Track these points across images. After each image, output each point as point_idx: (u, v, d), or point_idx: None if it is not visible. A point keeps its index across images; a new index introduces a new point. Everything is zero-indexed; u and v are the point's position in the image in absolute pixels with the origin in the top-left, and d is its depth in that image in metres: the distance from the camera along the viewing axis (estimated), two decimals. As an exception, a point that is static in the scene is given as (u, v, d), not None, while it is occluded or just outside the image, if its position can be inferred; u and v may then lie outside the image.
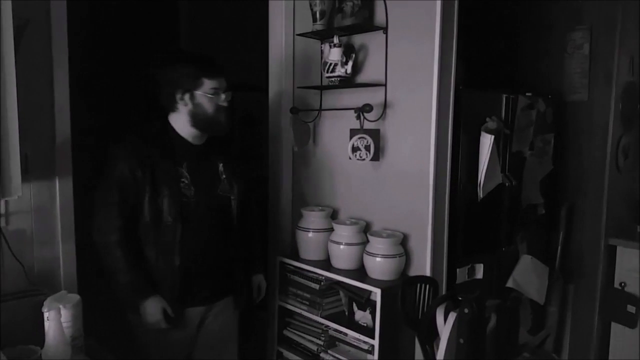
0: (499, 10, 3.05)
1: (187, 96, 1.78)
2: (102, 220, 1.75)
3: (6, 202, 1.78)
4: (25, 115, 1.56)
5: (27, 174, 1.65)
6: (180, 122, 1.82)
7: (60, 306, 1.53)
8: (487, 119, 2.35)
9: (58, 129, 1.92)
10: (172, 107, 1.81)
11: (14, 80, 1.45)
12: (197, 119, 1.80)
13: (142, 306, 1.75)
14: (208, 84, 1.78)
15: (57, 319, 1.46)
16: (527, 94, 2.62)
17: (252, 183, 2.09)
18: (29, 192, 1.85)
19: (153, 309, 1.75)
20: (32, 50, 1.82)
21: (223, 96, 1.80)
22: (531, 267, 2.70)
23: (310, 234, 2.36)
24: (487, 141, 2.30)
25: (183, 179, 1.78)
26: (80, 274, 2.01)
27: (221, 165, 1.90)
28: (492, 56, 2.98)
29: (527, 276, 2.68)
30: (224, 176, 1.89)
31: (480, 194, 2.35)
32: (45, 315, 1.49)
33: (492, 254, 2.55)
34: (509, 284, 2.60)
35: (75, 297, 1.69)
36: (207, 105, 1.79)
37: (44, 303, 1.53)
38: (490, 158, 2.31)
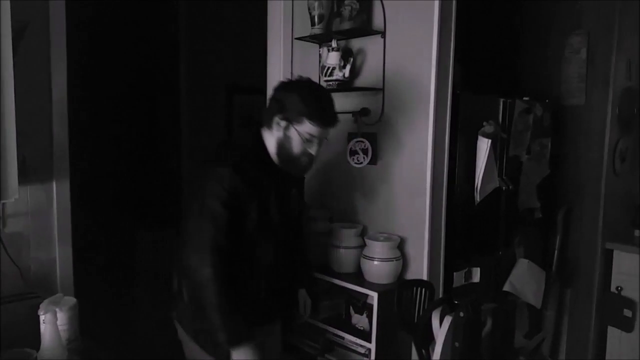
0: (496, 15, 3.06)
1: (283, 122, 1.68)
2: (195, 254, 1.57)
3: (3, 204, 1.78)
4: (23, 117, 1.57)
5: (24, 176, 1.65)
6: (270, 143, 1.73)
7: (57, 309, 1.54)
8: (484, 123, 2.35)
9: (55, 132, 1.92)
10: (269, 124, 1.72)
11: (12, 82, 1.45)
12: (281, 150, 1.71)
13: (236, 352, 1.57)
14: (307, 127, 1.67)
15: (53, 322, 1.47)
16: (524, 98, 2.62)
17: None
18: (26, 195, 1.84)
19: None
20: (31, 53, 1.82)
21: (315, 147, 1.70)
22: (528, 270, 2.70)
23: (310, 238, 2.35)
24: (484, 145, 2.31)
25: (274, 203, 1.72)
26: (76, 277, 2.01)
27: (293, 185, 1.87)
28: (489, 60, 2.99)
29: (524, 280, 2.68)
30: (294, 196, 1.87)
31: (477, 198, 2.35)
32: (42, 318, 1.50)
33: (489, 257, 2.55)
34: (506, 287, 2.60)
35: (72, 300, 1.69)
36: (295, 144, 1.69)
37: (40, 306, 1.54)
38: (487, 162, 2.31)
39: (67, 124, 1.96)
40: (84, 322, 1.71)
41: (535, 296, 2.72)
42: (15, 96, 1.50)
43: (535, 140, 2.70)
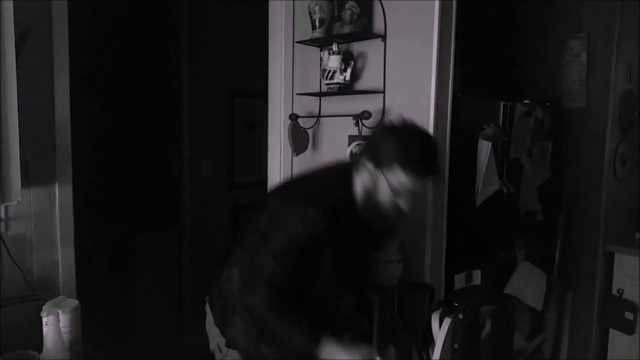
0: (497, 18, 3.07)
1: (371, 166, 1.50)
2: (257, 292, 1.48)
3: (6, 207, 1.79)
4: (25, 121, 1.58)
5: (27, 179, 1.66)
6: (357, 188, 1.55)
7: (59, 311, 1.54)
8: (485, 126, 2.36)
9: (58, 135, 1.94)
10: (357, 166, 1.55)
11: (15, 86, 1.46)
12: (367, 198, 1.53)
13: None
14: (400, 176, 1.45)
15: (56, 324, 1.47)
16: (524, 101, 2.63)
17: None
18: (28, 198, 1.85)
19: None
20: (34, 56, 1.83)
21: (404, 200, 1.49)
22: (529, 273, 2.70)
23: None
24: (484, 148, 2.32)
25: (352, 252, 1.59)
26: (79, 279, 2.01)
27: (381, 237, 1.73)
28: (490, 63, 3.00)
29: (525, 283, 2.68)
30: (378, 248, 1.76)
31: (478, 201, 2.35)
32: (44, 320, 1.50)
33: (490, 260, 2.55)
34: (507, 290, 2.60)
35: (74, 302, 1.70)
36: (383, 194, 1.49)
37: (43, 308, 1.54)
38: (488, 164, 2.32)
39: (69, 127, 1.97)
40: (86, 324, 1.72)
41: (536, 299, 2.73)
42: (18, 99, 1.51)
43: (536, 143, 2.70)
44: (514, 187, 2.59)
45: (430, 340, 1.48)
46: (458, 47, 2.16)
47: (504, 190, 2.52)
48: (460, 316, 1.36)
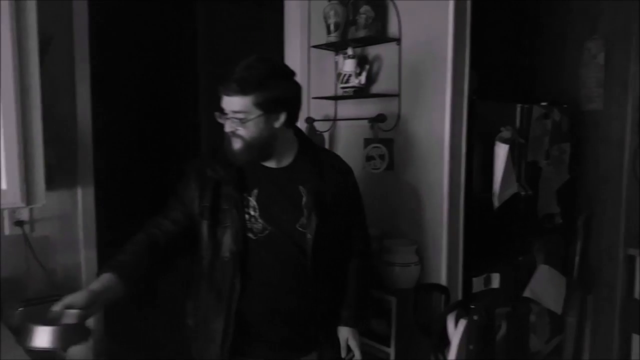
0: (513, 20, 3.06)
1: (218, 113, 1.49)
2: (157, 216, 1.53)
3: (31, 209, 1.84)
4: (49, 126, 1.62)
5: (51, 182, 1.70)
6: None
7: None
8: (502, 129, 2.35)
9: (80, 140, 1.98)
10: None
11: (39, 93, 1.51)
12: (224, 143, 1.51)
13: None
14: (222, 102, 1.46)
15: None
16: (542, 103, 2.61)
17: (344, 216, 1.64)
18: (52, 200, 1.89)
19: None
20: (56, 64, 1.88)
21: (227, 123, 1.46)
22: (548, 277, 2.68)
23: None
24: (502, 150, 2.31)
25: (248, 210, 1.49)
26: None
27: (305, 193, 1.52)
28: (506, 66, 2.99)
29: (544, 286, 2.66)
30: (305, 207, 1.51)
31: (496, 203, 2.35)
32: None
33: (509, 263, 2.53)
34: (526, 293, 2.58)
35: (96, 302, 1.73)
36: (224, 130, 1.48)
37: (67, 307, 1.57)
38: (505, 167, 2.31)
39: (91, 132, 2.02)
40: (108, 323, 1.76)
41: (555, 302, 2.70)
42: (41, 106, 1.55)
43: (554, 146, 2.68)
44: (532, 190, 2.58)
45: (446, 341, 1.48)
46: (473, 50, 2.16)
47: (522, 193, 2.51)
48: (475, 317, 1.37)
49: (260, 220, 1.48)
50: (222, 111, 1.46)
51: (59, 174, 1.88)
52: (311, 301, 1.54)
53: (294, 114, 1.51)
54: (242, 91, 1.40)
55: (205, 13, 3.64)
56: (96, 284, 1.34)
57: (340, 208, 1.59)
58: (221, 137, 1.51)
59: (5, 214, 1.81)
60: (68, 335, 1.20)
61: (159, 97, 3.41)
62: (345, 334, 1.63)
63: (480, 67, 2.36)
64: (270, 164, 1.53)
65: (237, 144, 1.45)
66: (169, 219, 1.50)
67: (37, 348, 1.19)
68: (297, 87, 1.52)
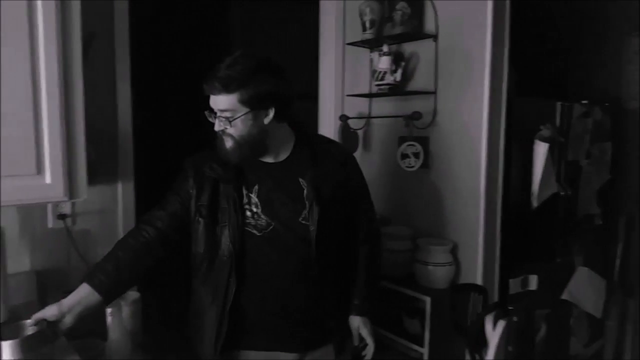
0: (553, 16, 2.99)
1: (207, 111, 1.47)
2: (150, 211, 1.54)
3: (73, 203, 1.89)
4: (91, 123, 1.66)
5: (93, 177, 1.74)
6: None
7: (122, 303, 1.62)
8: (541, 127, 2.30)
9: (121, 136, 2.02)
10: None
11: (82, 89, 1.53)
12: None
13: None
14: (210, 101, 1.44)
15: (119, 315, 1.55)
16: (582, 101, 2.55)
17: (346, 204, 1.62)
18: (94, 195, 1.92)
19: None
20: (98, 61, 1.92)
21: (215, 122, 1.44)
22: (588, 279, 2.61)
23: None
24: (541, 149, 2.26)
25: (250, 207, 1.48)
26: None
27: (305, 184, 1.50)
28: (546, 63, 2.92)
29: (584, 289, 2.59)
30: (307, 199, 1.49)
31: (535, 203, 2.30)
32: (108, 311, 1.58)
33: (547, 265, 2.48)
34: (564, 296, 2.52)
35: (135, 295, 1.78)
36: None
37: (107, 300, 1.61)
38: (544, 167, 2.26)
39: (131, 128, 2.05)
40: (146, 315, 1.79)
41: (595, 305, 2.63)
42: (84, 103, 1.59)
43: (595, 145, 2.61)
44: (572, 190, 2.52)
45: (483, 342, 1.46)
46: (512, 47, 2.12)
47: (562, 193, 2.45)
48: (515, 319, 1.34)
49: (263, 216, 1.47)
50: (211, 110, 1.43)
51: (100, 170, 1.91)
52: (319, 293, 1.53)
53: (284, 108, 1.46)
54: (226, 89, 1.37)
55: (240, 10, 3.67)
56: (71, 298, 1.39)
57: (341, 197, 1.56)
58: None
59: (49, 207, 1.86)
60: (30, 345, 1.29)
61: (197, 94, 3.47)
62: (356, 322, 1.64)
63: (519, 63, 2.31)
64: (268, 159, 1.52)
65: (228, 143, 1.43)
66: (167, 212, 1.50)
67: None
68: (285, 82, 1.47)
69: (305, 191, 1.49)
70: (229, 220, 1.46)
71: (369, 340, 1.63)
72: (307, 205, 1.48)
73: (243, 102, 1.38)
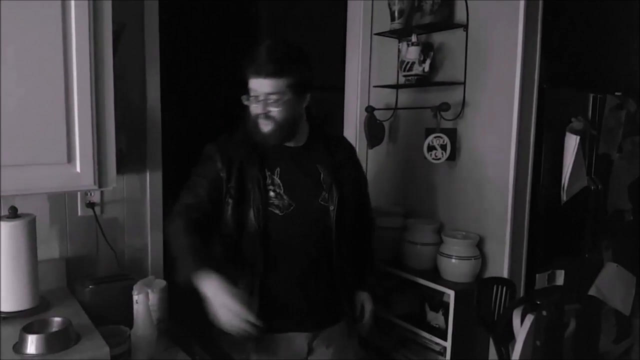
0: (586, 5, 2.91)
1: (245, 95, 1.53)
2: (181, 200, 1.55)
3: (102, 192, 1.92)
4: (120, 113, 1.68)
5: (122, 167, 1.76)
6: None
7: (149, 290, 1.64)
8: (573, 119, 2.25)
9: (149, 126, 2.04)
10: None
11: (112, 80, 1.55)
12: (248, 125, 1.55)
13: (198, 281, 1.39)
14: (251, 85, 1.49)
15: (146, 302, 1.56)
16: (616, 93, 2.48)
17: (357, 188, 1.76)
18: (122, 184, 1.97)
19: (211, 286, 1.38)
20: (128, 52, 1.93)
21: (258, 105, 1.49)
22: (617, 275, 2.56)
23: (384, 233, 2.36)
24: (572, 142, 2.21)
25: (273, 187, 1.55)
26: (166, 261, 2.11)
27: (322, 169, 1.60)
28: (578, 54, 2.85)
29: (612, 285, 2.54)
30: (324, 183, 1.59)
31: (564, 197, 2.25)
32: (135, 298, 1.60)
33: (575, 260, 2.44)
34: (592, 292, 2.48)
35: (162, 283, 1.80)
36: (251, 111, 1.53)
37: (134, 287, 1.63)
38: (575, 160, 2.21)
39: (160, 119, 2.07)
40: (173, 303, 1.81)
41: (623, 302, 2.58)
42: (114, 93, 1.61)
43: (628, 138, 2.55)
44: (603, 184, 2.47)
45: (510, 337, 1.44)
46: (545, 36, 2.07)
47: (592, 187, 2.40)
48: (544, 313, 1.32)
49: (285, 197, 1.54)
50: (248, 93, 1.50)
51: (129, 159, 1.94)
52: (336, 271, 1.62)
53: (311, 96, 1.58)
54: (279, 73, 1.45)
55: (268, 1, 3.68)
56: (224, 296, 1.37)
57: (351, 184, 1.67)
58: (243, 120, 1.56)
59: (79, 196, 1.90)
60: (53, 342, 1.33)
61: (225, 85, 3.49)
62: (362, 298, 1.76)
63: (551, 53, 2.26)
64: (289, 143, 1.59)
65: (267, 126, 1.50)
66: (207, 197, 1.53)
67: (28, 355, 1.31)
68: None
69: (322, 175, 1.59)
70: (253, 200, 1.53)
71: (368, 314, 1.76)
72: (326, 187, 1.58)
73: (290, 86, 1.47)
